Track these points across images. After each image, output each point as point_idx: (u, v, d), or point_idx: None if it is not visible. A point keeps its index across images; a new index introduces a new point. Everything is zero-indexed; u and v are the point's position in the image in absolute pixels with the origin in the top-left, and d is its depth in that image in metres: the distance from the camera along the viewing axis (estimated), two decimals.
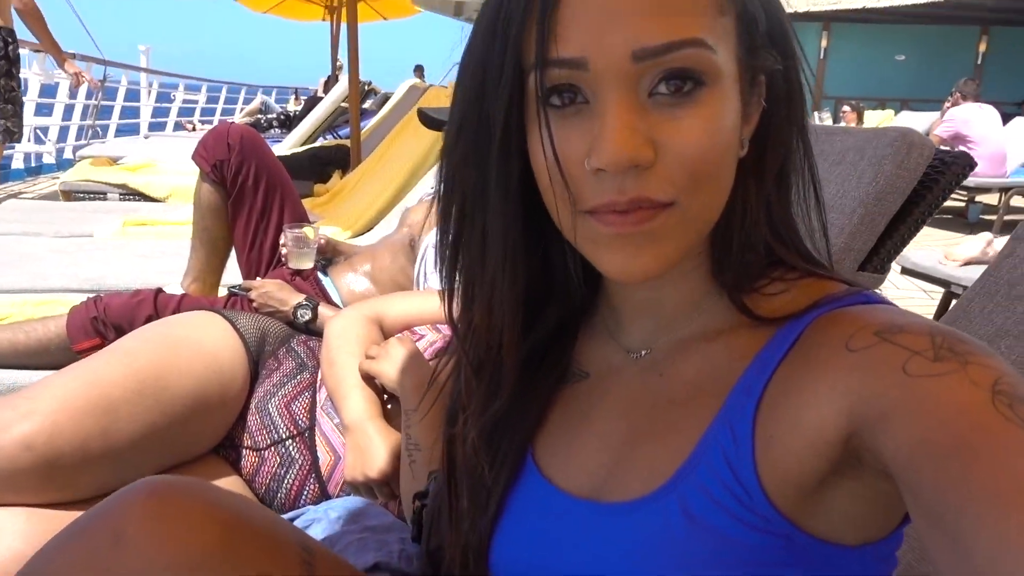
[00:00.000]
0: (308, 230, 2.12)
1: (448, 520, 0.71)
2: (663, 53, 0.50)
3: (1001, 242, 3.20)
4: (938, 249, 3.44)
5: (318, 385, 1.40)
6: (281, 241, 2.12)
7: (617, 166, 0.50)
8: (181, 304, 1.90)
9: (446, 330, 1.42)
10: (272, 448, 1.34)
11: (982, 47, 14.98)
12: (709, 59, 0.51)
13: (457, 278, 0.64)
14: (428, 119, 2.07)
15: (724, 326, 0.60)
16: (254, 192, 2.17)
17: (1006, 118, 6.97)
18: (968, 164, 1.18)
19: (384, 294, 1.98)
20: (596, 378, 0.67)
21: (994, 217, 6.02)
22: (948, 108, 7.11)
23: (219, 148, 2.14)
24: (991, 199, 6.95)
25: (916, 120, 8.00)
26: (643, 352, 0.64)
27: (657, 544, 0.55)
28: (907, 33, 15.31)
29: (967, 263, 3.17)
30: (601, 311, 0.69)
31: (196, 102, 13.23)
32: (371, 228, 3.40)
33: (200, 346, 1.31)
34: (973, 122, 6.46)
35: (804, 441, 0.50)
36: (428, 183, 2.88)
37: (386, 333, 1.44)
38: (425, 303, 1.50)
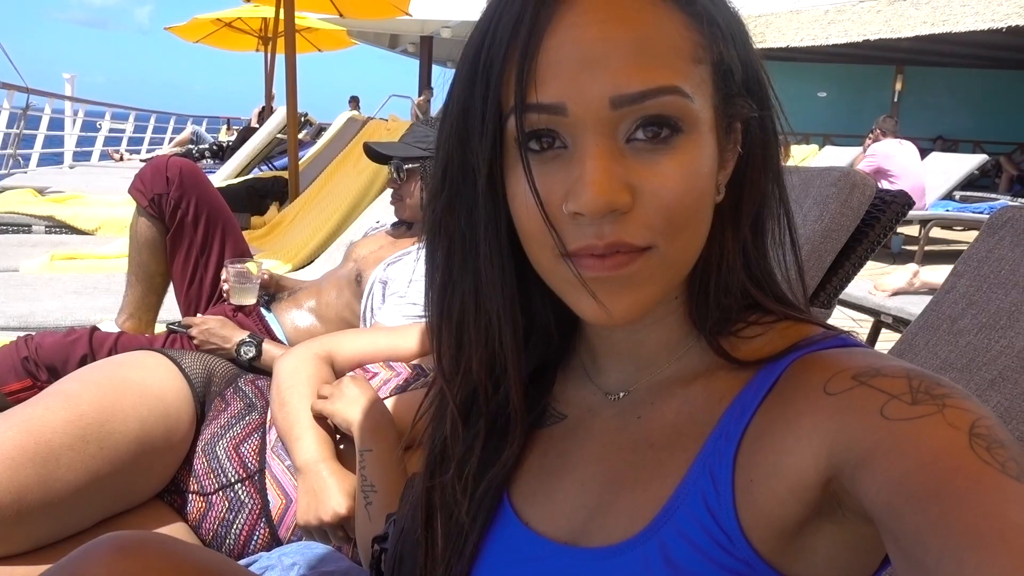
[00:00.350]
0: (251, 265, 2.08)
1: (423, 566, 0.69)
2: (640, 100, 0.50)
3: (927, 272, 3.34)
4: (866, 279, 3.56)
5: (268, 426, 1.37)
6: (222, 276, 2.08)
7: (595, 211, 0.50)
8: (118, 343, 1.84)
9: (399, 367, 1.41)
10: (220, 492, 1.30)
11: (898, 85, 15.69)
12: (686, 106, 0.52)
13: (444, 322, 0.63)
14: (374, 153, 2.05)
15: (702, 369, 0.60)
16: (194, 227, 2.13)
17: (923, 153, 7.30)
18: (907, 203, 1.23)
19: (330, 330, 1.95)
20: (574, 420, 0.67)
21: (915, 248, 6.28)
22: (870, 143, 7.40)
23: (157, 182, 2.09)
24: (912, 230, 7.24)
25: (840, 155, 8.30)
26: (621, 394, 0.64)
27: None
28: (828, 71, 15.97)
29: (895, 293, 3.28)
30: (579, 353, 0.69)
31: (123, 131, 12.94)
32: (311, 261, 3.35)
33: (145, 388, 1.27)
34: (894, 157, 6.75)
35: (784, 485, 0.50)
36: (372, 216, 2.86)
37: (337, 371, 1.41)
38: (377, 340, 1.48)
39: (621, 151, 0.52)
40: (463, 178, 0.58)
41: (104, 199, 5.08)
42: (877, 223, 1.23)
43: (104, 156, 11.86)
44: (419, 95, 15.08)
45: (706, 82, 0.54)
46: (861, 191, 1.21)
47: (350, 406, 1.22)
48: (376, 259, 2.00)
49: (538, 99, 0.51)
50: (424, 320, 1.76)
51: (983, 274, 1.05)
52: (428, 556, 0.68)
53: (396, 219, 2.11)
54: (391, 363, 1.42)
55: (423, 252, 0.64)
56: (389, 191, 2.11)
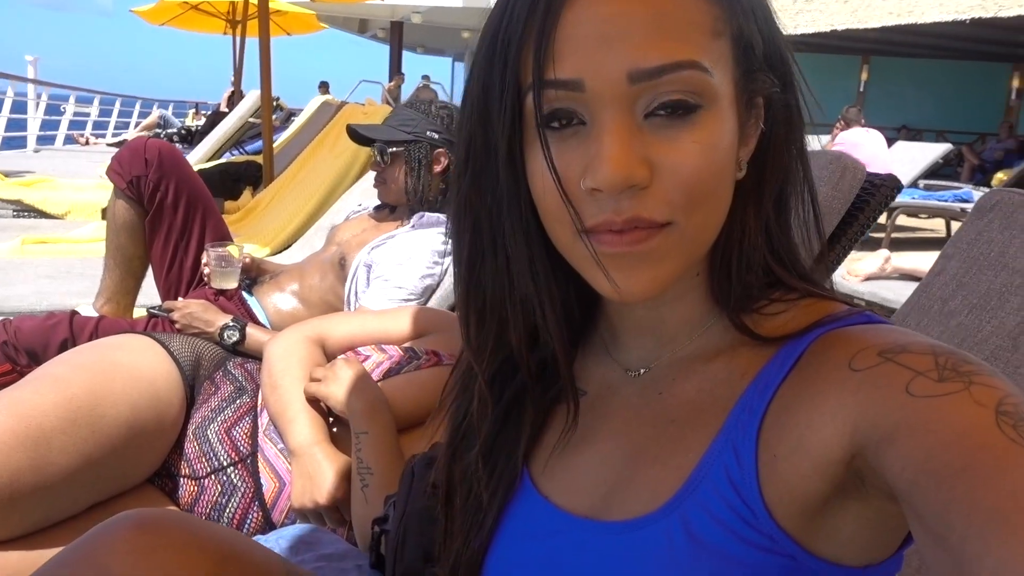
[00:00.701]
0: (232, 248, 2.05)
1: (441, 542, 0.69)
2: (658, 75, 0.50)
3: (898, 258, 3.40)
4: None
5: (259, 409, 1.36)
6: (203, 260, 2.05)
7: (612, 186, 0.50)
8: (99, 327, 1.81)
9: (391, 350, 1.40)
10: (212, 476, 1.29)
11: (864, 75, 15.87)
12: (705, 81, 0.52)
13: (472, 298, 0.63)
14: (357, 135, 2.04)
15: (724, 345, 0.60)
16: (173, 210, 2.09)
17: (889, 142, 7.40)
18: (896, 186, 1.25)
19: (314, 314, 1.94)
20: (594, 396, 0.67)
21: (882, 235, 6.37)
22: (838, 132, 7.50)
23: (136, 164, 2.05)
24: (880, 217, 7.34)
25: (809, 143, 8.38)
26: (642, 371, 0.64)
27: (659, 564, 0.55)
28: (796, 61, 16.11)
29: (868, 279, 3.34)
30: (599, 329, 0.69)
31: (88, 115, 12.71)
32: (289, 246, 3.32)
33: (134, 371, 1.25)
34: (862, 145, 6.84)
35: (808, 460, 0.50)
36: (352, 200, 2.84)
37: (329, 355, 1.41)
38: (367, 323, 1.48)
39: (639, 126, 0.52)
40: (486, 157, 0.58)
41: (73, 183, 4.97)
42: (867, 206, 1.25)
43: (69, 140, 11.66)
44: (390, 80, 14.97)
45: (726, 56, 0.53)
46: (852, 174, 1.23)
47: (344, 388, 1.22)
48: (359, 242, 1.99)
49: (556, 75, 0.51)
50: (412, 303, 1.75)
51: (973, 256, 1.07)
52: (447, 531, 0.69)
53: (379, 202, 2.10)
54: (383, 346, 1.41)
55: (449, 231, 0.63)
56: (368, 175, 2.10)
